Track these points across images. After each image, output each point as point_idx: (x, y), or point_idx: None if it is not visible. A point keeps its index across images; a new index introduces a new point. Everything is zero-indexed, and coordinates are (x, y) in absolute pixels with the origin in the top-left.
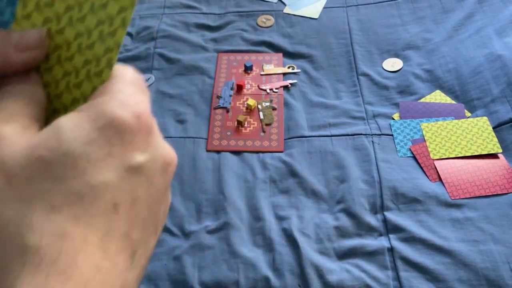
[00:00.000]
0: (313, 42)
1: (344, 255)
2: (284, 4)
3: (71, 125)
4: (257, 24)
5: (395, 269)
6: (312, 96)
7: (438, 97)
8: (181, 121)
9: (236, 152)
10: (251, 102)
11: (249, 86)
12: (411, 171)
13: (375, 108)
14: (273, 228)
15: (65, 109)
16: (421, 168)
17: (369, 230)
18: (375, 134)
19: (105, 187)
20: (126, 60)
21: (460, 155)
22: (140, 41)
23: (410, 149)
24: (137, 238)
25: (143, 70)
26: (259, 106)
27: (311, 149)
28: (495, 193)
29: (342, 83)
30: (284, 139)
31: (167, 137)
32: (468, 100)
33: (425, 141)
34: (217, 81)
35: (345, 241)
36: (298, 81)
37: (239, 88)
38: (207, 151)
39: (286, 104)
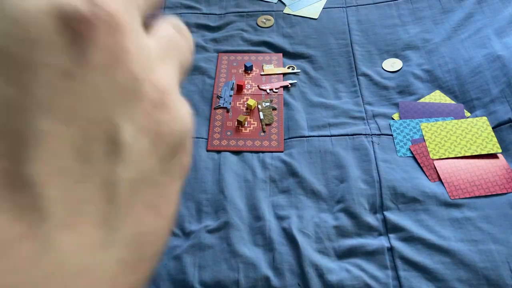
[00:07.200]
0: (313, 42)
1: (344, 254)
2: (284, 5)
3: None
4: (257, 25)
5: (394, 268)
6: (312, 96)
7: (437, 97)
8: None
9: (236, 152)
10: (251, 102)
11: (249, 86)
12: (411, 171)
13: (375, 108)
14: (273, 228)
15: None
16: (421, 168)
17: (369, 229)
18: (375, 134)
19: None
20: None
21: (459, 155)
22: None
23: (409, 149)
24: None
25: None
26: (259, 106)
27: (311, 149)
28: (495, 193)
29: (341, 83)
30: (284, 139)
31: None
32: (467, 100)
33: (424, 141)
34: (217, 81)
35: (344, 240)
36: (298, 81)
37: (239, 88)
38: (207, 151)
39: (286, 104)
